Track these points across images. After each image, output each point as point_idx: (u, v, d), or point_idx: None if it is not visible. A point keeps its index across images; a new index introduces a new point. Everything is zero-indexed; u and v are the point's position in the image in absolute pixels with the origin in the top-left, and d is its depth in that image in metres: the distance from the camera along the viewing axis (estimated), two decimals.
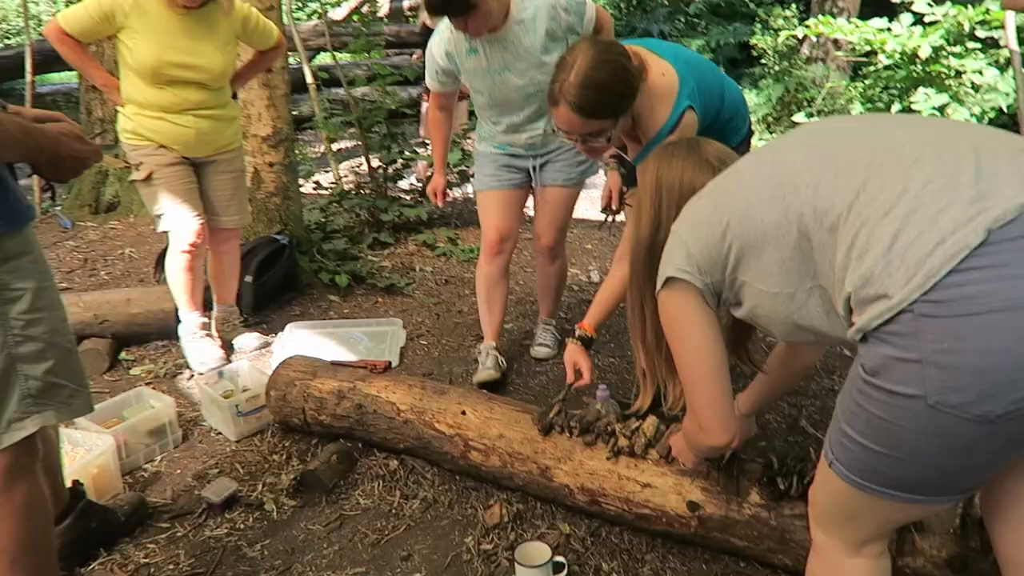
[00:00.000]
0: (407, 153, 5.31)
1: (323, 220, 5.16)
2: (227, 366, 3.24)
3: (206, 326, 3.46)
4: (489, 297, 3.24)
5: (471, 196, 6.32)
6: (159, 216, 3.20)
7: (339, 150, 5.69)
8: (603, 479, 2.20)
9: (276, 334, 3.71)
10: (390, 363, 2.81)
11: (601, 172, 3.45)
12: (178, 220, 3.19)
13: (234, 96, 3.36)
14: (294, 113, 4.82)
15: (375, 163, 5.40)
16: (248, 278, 3.89)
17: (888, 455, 1.22)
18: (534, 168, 3.11)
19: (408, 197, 5.54)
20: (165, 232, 3.27)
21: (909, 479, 1.23)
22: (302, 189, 5.12)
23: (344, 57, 8.31)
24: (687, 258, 1.52)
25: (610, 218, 2.98)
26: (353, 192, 5.41)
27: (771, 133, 8.10)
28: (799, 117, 7.51)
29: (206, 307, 3.54)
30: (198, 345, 3.40)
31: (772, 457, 2.07)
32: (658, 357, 1.82)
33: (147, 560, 2.25)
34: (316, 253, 4.50)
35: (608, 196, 2.87)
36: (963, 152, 1.19)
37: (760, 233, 1.38)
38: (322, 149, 5.93)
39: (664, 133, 2.23)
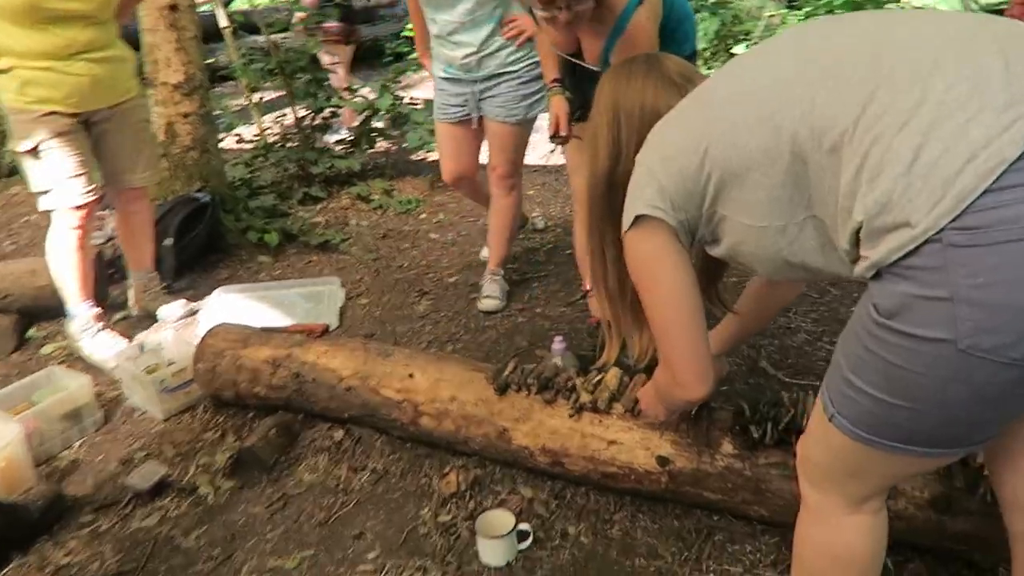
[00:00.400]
0: (334, 100, 4.98)
1: (248, 176, 4.83)
2: (150, 337, 2.97)
3: (102, 317, 3.09)
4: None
5: (405, 145, 6.04)
6: (43, 193, 2.79)
7: (262, 100, 5.31)
8: (565, 438, 2.06)
9: (203, 300, 3.44)
10: (328, 326, 2.60)
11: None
12: (67, 196, 2.79)
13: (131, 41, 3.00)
14: (209, 61, 4.45)
15: (301, 113, 5.06)
16: (168, 241, 3.59)
17: (905, 407, 1.08)
18: (476, 98, 3.07)
19: (339, 148, 5.23)
20: (48, 211, 2.84)
21: (927, 432, 1.10)
22: (223, 144, 4.78)
23: (264, 2, 7.79)
24: (659, 192, 1.34)
25: (558, 148, 2.81)
26: (279, 145, 5.07)
27: (708, 69, 7.96)
28: (738, 49, 7.38)
29: (121, 278, 3.24)
30: (97, 342, 3.01)
31: (743, 404, 1.95)
32: (623, 305, 1.65)
33: (68, 559, 2.03)
34: (242, 211, 4.20)
35: (556, 123, 2.63)
36: (986, 49, 1.02)
37: (744, 159, 1.21)
38: (243, 101, 5.53)
39: (631, 9, 2.08)
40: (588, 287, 2.62)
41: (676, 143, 1.34)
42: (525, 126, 3.11)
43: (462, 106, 3.13)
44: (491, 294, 3.31)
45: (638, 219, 1.38)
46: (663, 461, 1.94)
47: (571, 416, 2.05)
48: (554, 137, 2.65)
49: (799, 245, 1.23)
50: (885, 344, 1.06)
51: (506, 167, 3.17)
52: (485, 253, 3.72)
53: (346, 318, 3.31)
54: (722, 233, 1.35)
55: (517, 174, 3.26)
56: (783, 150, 1.15)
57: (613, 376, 2.09)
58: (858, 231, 1.07)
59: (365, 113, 5.02)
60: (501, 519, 1.98)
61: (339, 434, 2.44)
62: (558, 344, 2.43)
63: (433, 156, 5.93)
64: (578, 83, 2.56)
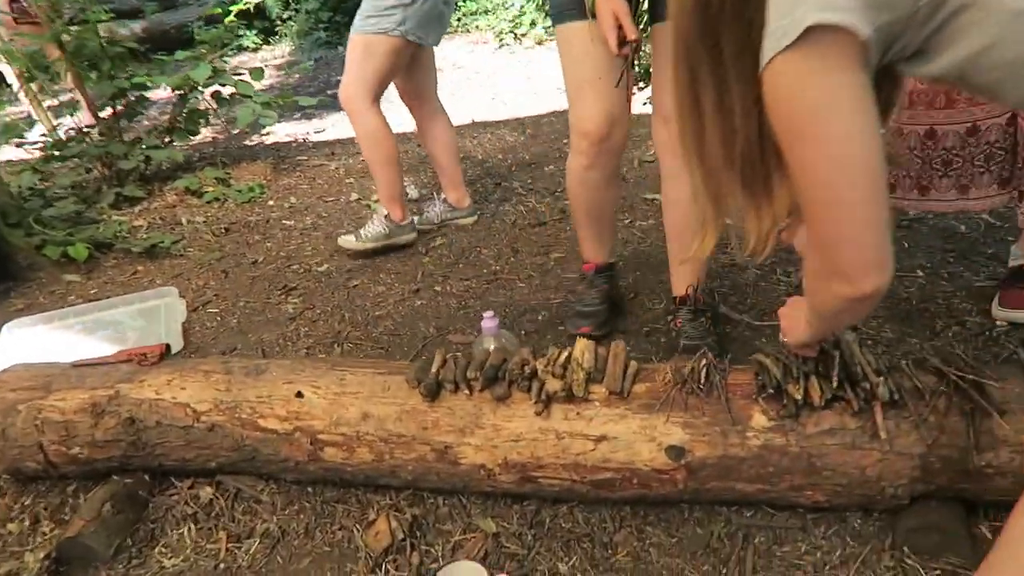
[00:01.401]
0: (137, 78, 4.08)
1: (38, 183, 3.87)
2: None
3: None
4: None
5: (235, 130, 5.18)
6: None
7: (42, 90, 4.29)
8: (534, 444, 1.48)
9: None
10: (168, 347, 1.90)
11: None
12: None
13: None
14: None
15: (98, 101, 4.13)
16: None
17: None
18: None
19: (155, 138, 4.32)
20: None
21: None
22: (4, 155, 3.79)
23: None
24: None
25: (628, 65, 1.85)
26: (75, 141, 4.11)
27: None
28: None
29: None
30: None
31: (762, 359, 1.45)
32: (730, 172, 1.09)
33: None
34: (35, 224, 3.28)
35: (616, 23, 1.72)
36: None
37: None
38: (21, 99, 4.50)
39: None
40: (591, 265, 2.21)
41: None
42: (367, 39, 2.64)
43: None
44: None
45: (805, 35, 0.86)
46: (677, 452, 1.41)
47: (538, 413, 1.48)
48: (622, 44, 1.74)
49: None
50: None
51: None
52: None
53: (193, 335, 2.56)
54: (956, 35, 0.89)
55: (356, 98, 2.85)
56: None
57: (583, 348, 1.53)
58: None
59: (179, 92, 4.15)
60: (467, 574, 1.38)
61: (206, 493, 1.74)
62: (488, 321, 1.84)
63: (273, 138, 5.14)
64: None
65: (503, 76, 6.30)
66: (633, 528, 1.51)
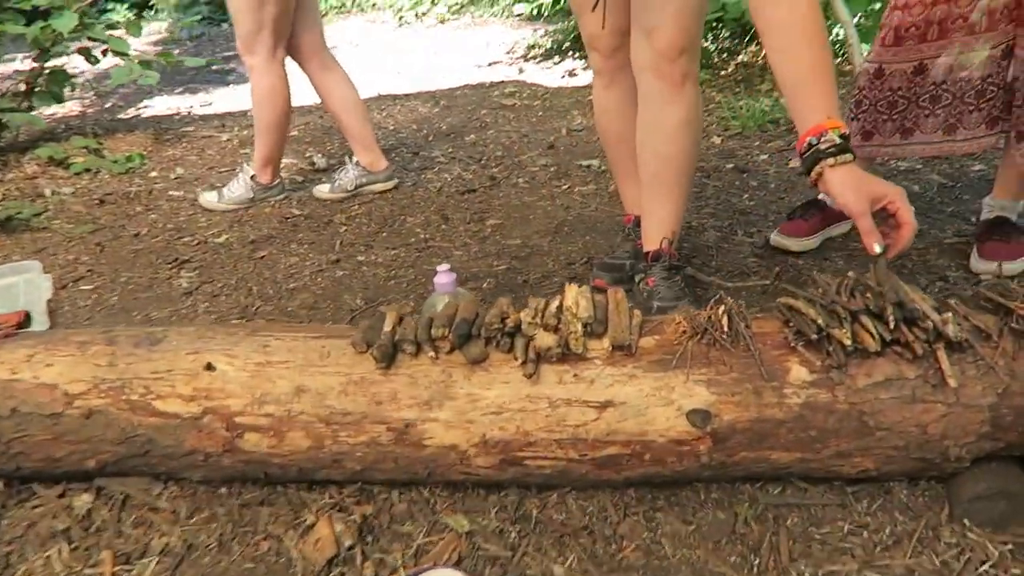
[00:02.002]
0: None
1: None
2: None
3: None
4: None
5: (107, 104, 4.61)
6: None
7: None
8: (522, 416, 1.18)
9: None
10: (28, 315, 1.48)
11: None
12: None
13: None
14: None
15: None
16: None
17: None
18: None
19: (10, 101, 3.71)
20: None
21: None
22: None
23: None
24: None
25: None
26: None
27: None
28: None
29: None
30: None
31: (794, 303, 1.21)
32: None
33: None
34: None
35: None
36: None
37: None
38: None
39: None
40: (630, 217, 2.05)
41: None
42: None
43: None
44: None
45: None
46: (702, 417, 1.14)
47: (528, 375, 1.17)
48: None
49: None
50: None
51: None
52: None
53: (62, 315, 2.10)
54: None
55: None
56: None
57: (576, 295, 1.24)
58: None
59: (39, 47, 3.57)
60: None
61: (83, 501, 1.34)
62: (444, 276, 1.52)
63: (152, 111, 4.59)
64: None
65: (407, 53, 5.95)
66: (641, 516, 1.23)
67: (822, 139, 1.20)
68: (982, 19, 1.73)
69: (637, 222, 2.07)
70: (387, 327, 1.25)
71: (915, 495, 1.22)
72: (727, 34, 4.66)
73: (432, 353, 1.22)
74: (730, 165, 2.90)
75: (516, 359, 1.18)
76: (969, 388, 1.11)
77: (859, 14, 3.91)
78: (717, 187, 2.70)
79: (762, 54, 4.34)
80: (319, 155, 3.36)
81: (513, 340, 1.21)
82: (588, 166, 3.01)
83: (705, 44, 4.52)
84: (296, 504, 1.30)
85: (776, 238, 2.14)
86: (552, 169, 3.01)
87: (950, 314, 1.12)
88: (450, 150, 3.39)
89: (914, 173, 2.67)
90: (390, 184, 2.88)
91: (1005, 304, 1.15)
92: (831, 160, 1.20)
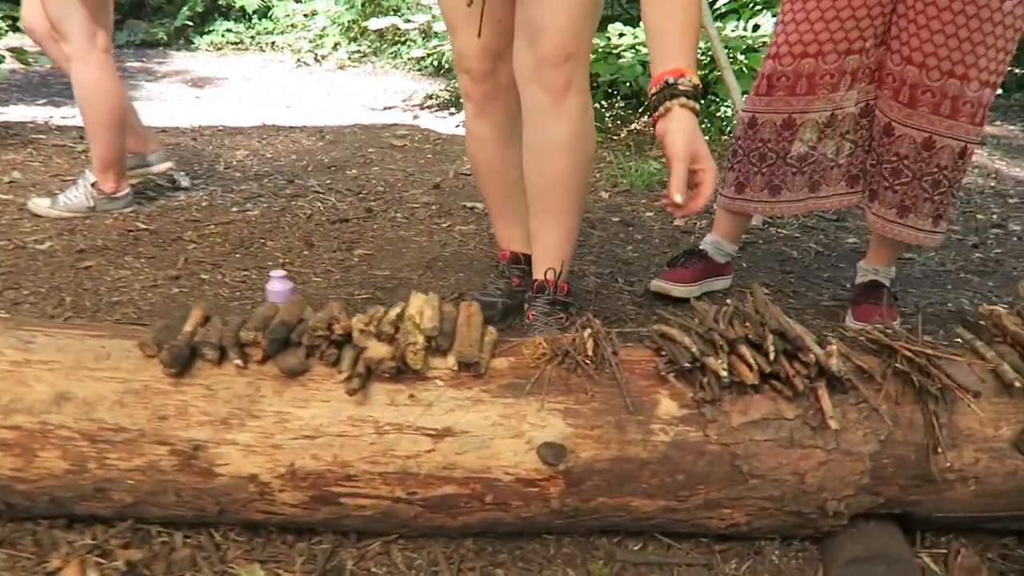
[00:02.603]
0: None
1: None
2: None
3: None
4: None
5: None
6: None
7: None
8: (341, 443, 0.97)
9: None
10: None
11: None
12: None
13: None
14: None
15: None
16: None
17: None
18: None
19: None
20: None
21: None
22: None
23: None
24: None
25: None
26: None
27: None
28: None
29: None
30: None
31: (667, 330, 1.07)
32: None
33: None
34: None
35: None
36: None
37: None
38: None
39: None
40: (504, 253, 1.90)
41: None
42: None
43: None
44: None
45: None
46: (555, 452, 0.96)
47: (351, 393, 0.97)
48: None
49: None
50: None
51: None
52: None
53: None
54: None
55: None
56: None
57: (422, 304, 1.05)
58: None
59: None
60: None
61: None
62: (278, 282, 1.31)
63: (4, 117, 4.17)
64: None
65: (300, 91, 5.74)
66: (478, 572, 1.03)
67: (680, 80, 1.14)
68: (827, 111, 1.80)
69: (513, 259, 1.92)
70: (187, 327, 1.03)
71: (787, 556, 1.08)
72: (622, 104, 4.73)
73: (239, 361, 1.00)
74: (616, 218, 2.83)
75: (342, 373, 0.98)
76: (850, 433, 0.99)
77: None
78: (602, 237, 2.61)
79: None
80: (182, 174, 3.07)
81: (341, 351, 1.01)
82: (472, 207, 2.86)
83: (600, 109, 4.55)
84: (46, 545, 1.02)
85: (657, 283, 2.04)
86: (434, 207, 2.86)
87: (834, 347, 1.00)
88: (328, 181, 3.18)
89: (792, 240, 2.68)
90: (164, 166, 2.77)
91: (889, 344, 1.05)
92: (683, 99, 1.14)
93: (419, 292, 1.08)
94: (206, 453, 0.96)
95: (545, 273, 1.63)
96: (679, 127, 1.13)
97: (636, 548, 1.08)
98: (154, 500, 0.99)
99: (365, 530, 1.05)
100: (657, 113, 1.16)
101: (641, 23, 3.73)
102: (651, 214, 2.92)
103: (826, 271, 2.40)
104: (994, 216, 3.11)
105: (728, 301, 1.10)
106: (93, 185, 2.49)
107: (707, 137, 4.14)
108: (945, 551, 1.10)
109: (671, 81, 1.14)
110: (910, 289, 2.25)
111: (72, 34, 2.29)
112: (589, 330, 1.06)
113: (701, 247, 2.10)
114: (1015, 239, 2.83)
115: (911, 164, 1.76)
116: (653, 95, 1.17)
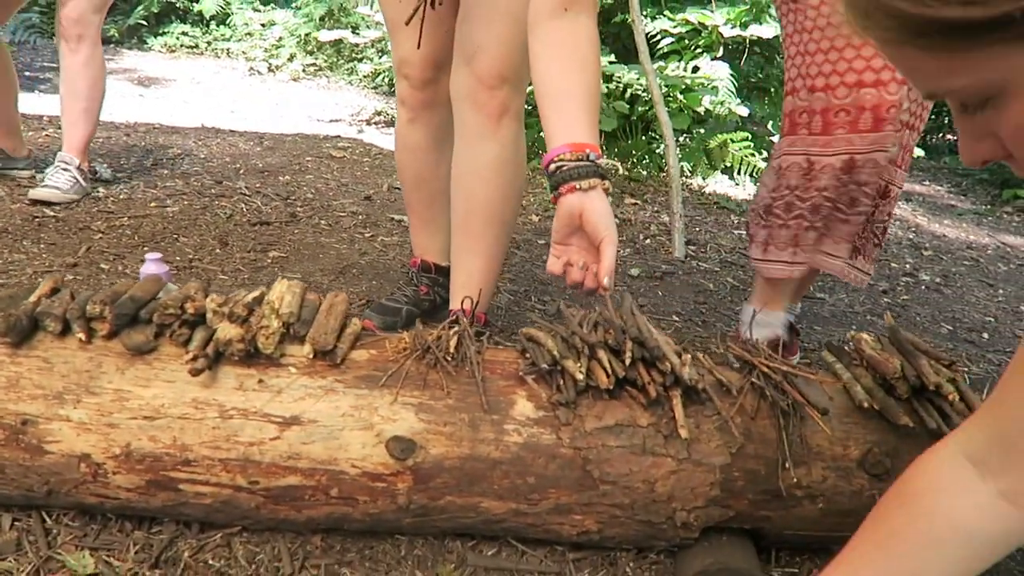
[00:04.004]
0: None
1: None
2: None
3: None
4: None
5: None
6: None
7: None
8: (182, 425, 0.94)
9: None
10: None
11: None
12: None
13: None
14: None
15: None
16: None
17: None
18: None
19: None
20: None
21: None
22: None
23: None
24: None
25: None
26: None
27: None
28: None
29: None
30: None
31: (534, 333, 1.06)
32: None
33: None
34: None
35: None
36: None
37: None
38: None
39: None
40: (416, 260, 1.90)
41: None
42: None
43: None
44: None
45: None
46: (404, 447, 0.94)
47: (195, 373, 0.94)
48: None
49: None
50: None
51: None
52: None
53: None
54: None
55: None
56: None
57: (284, 290, 1.03)
58: None
59: None
60: None
61: None
62: (154, 266, 1.27)
63: None
64: None
65: (249, 99, 5.69)
66: (322, 571, 1.00)
67: (599, 158, 1.07)
68: None
69: (423, 267, 1.91)
70: (33, 296, 0.99)
71: (642, 568, 1.07)
72: None
73: (82, 335, 0.96)
74: (542, 241, 2.84)
75: (187, 353, 0.95)
76: (702, 444, 0.99)
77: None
78: (524, 257, 2.62)
79: None
80: (105, 166, 2.99)
81: (194, 332, 0.98)
82: (400, 220, 2.85)
83: (542, 139, 4.59)
84: None
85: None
86: (361, 217, 2.83)
87: (688, 356, 1.01)
88: (257, 185, 3.14)
89: (711, 273, 2.72)
90: (26, 174, 2.74)
91: (750, 360, 1.06)
92: (606, 181, 1.08)
93: (286, 280, 1.05)
94: (36, 428, 0.92)
95: (462, 302, 1.58)
96: (605, 209, 1.06)
97: (491, 553, 1.06)
98: None
99: (207, 520, 1.01)
100: (576, 185, 1.05)
101: (635, 80, 3.70)
102: None
103: (738, 304, 2.44)
104: (907, 265, 3.21)
105: (596, 307, 1.10)
106: (79, 167, 2.58)
107: (646, 174, 4.23)
108: (797, 571, 1.10)
109: (592, 156, 1.06)
110: (815, 327, 2.29)
111: (90, 32, 2.50)
112: (456, 328, 1.05)
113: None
114: (923, 287, 2.93)
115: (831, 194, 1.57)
116: (575, 166, 1.05)
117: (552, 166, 1.06)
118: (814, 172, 1.56)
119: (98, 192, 2.69)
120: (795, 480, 1.00)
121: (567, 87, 1.12)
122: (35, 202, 2.42)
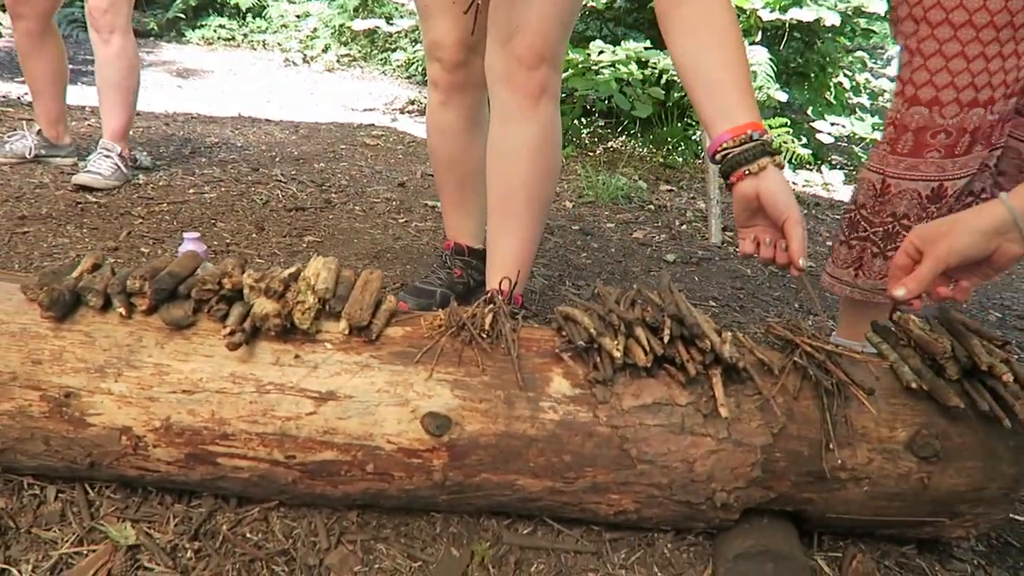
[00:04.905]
0: None
1: None
2: None
3: None
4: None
5: None
6: None
7: None
8: (220, 399, 0.94)
9: None
10: None
11: None
12: None
13: None
14: None
15: None
16: None
17: None
18: None
19: None
20: None
21: None
22: None
23: None
24: None
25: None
26: None
27: None
28: None
29: None
30: None
31: (570, 311, 1.05)
32: None
33: None
34: None
35: None
36: None
37: None
38: None
39: None
40: (449, 243, 1.89)
41: None
42: None
43: None
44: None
45: None
46: (439, 423, 0.94)
47: (232, 348, 0.94)
48: None
49: None
50: None
51: None
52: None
53: None
54: None
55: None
56: None
57: (320, 267, 1.03)
58: None
59: None
60: None
61: None
62: (192, 244, 1.29)
63: None
64: None
65: (284, 89, 5.73)
66: (358, 546, 1.00)
67: (764, 137, 1.04)
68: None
69: (457, 250, 1.90)
70: (75, 272, 1.00)
71: (679, 550, 1.05)
72: (601, 122, 4.75)
73: (123, 310, 0.97)
74: (576, 227, 2.82)
75: (225, 327, 0.95)
76: (743, 424, 0.97)
77: None
78: (558, 243, 2.60)
79: (631, 144, 4.42)
80: (145, 153, 3.04)
81: (230, 308, 0.98)
82: (434, 206, 2.85)
83: (577, 125, 4.56)
84: None
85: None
86: (395, 203, 2.84)
87: (729, 334, 0.98)
88: (293, 172, 3.16)
89: (748, 259, 2.67)
90: (69, 161, 2.81)
91: (792, 339, 1.03)
92: (777, 157, 1.05)
93: (322, 257, 1.05)
94: (78, 401, 0.93)
95: (500, 283, 1.57)
96: (782, 187, 1.04)
97: (526, 532, 1.05)
98: (21, 448, 0.95)
99: (244, 495, 1.02)
100: (745, 171, 1.04)
101: (672, 65, 3.64)
102: (612, 225, 2.92)
103: (776, 291, 2.40)
104: None
105: (634, 286, 1.09)
106: (110, 150, 2.63)
107: (681, 160, 4.18)
108: (841, 555, 1.08)
109: (756, 136, 1.03)
110: None
111: (122, 22, 2.55)
112: (491, 305, 1.04)
113: None
114: None
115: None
116: (741, 151, 1.03)
117: (717, 156, 1.06)
118: (889, 196, 1.38)
119: (138, 179, 2.73)
120: (839, 462, 0.97)
121: (712, 69, 1.09)
122: (78, 187, 2.47)
